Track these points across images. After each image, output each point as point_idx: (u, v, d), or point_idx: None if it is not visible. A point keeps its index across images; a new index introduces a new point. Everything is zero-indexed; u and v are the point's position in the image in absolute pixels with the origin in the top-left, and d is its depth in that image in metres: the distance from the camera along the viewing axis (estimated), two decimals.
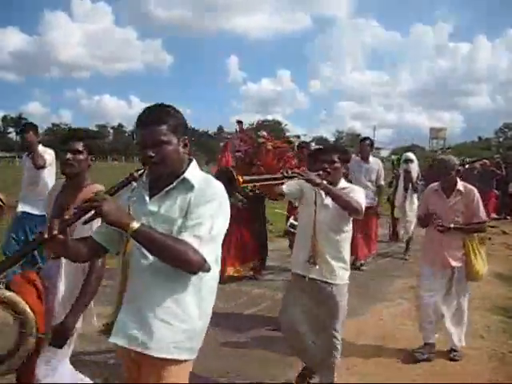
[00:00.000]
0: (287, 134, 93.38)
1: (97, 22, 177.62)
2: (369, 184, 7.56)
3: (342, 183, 3.65)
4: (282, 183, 3.40)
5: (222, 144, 7.68)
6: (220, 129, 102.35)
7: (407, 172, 8.77)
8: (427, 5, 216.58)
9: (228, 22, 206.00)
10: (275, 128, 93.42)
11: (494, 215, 15.02)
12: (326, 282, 3.54)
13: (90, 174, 2.99)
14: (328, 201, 3.49)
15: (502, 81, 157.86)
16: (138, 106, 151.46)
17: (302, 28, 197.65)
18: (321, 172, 3.44)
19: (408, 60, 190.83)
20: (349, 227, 3.62)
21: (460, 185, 4.39)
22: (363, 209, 3.45)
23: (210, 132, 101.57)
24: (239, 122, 7.27)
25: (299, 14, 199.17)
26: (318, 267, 3.52)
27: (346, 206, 3.37)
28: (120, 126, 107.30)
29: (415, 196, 8.76)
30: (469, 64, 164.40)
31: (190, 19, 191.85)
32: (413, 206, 8.67)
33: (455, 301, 4.54)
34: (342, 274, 3.58)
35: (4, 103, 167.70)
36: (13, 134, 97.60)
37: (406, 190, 8.85)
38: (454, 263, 4.40)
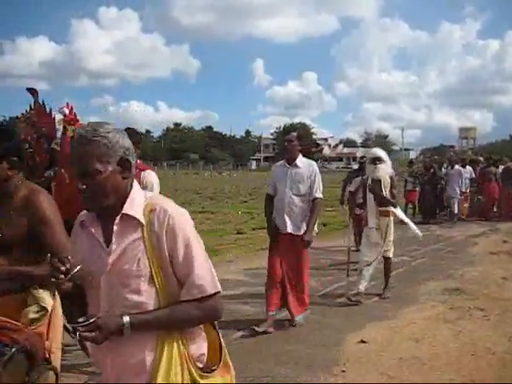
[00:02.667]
0: (314, 137, 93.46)
1: (124, 29, 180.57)
2: (295, 199, 5.16)
3: None
4: None
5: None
6: (247, 133, 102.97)
7: (375, 180, 6.24)
8: (454, 2, 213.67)
9: (253, 25, 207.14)
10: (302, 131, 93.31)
11: None
12: None
13: None
14: None
15: None
16: (166, 111, 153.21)
17: (327, 30, 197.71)
18: None
19: (436, 59, 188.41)
20: None
21: (135, 206, 1.76)
22: None
23: (237, 136, 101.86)
24: (31, 91, 3.90)
25: (325, 15, 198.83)
26: None
27: None
28: (147, 131, 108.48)
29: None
30: (499, 61, 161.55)
31: (215, 24, 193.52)
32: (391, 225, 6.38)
33: None
34: None
35: None
36: None
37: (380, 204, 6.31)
38: None
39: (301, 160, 5.28)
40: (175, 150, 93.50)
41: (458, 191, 14.15)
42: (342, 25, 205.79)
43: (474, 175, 14.98)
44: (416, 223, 13.25)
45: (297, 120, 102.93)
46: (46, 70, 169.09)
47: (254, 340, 4.84)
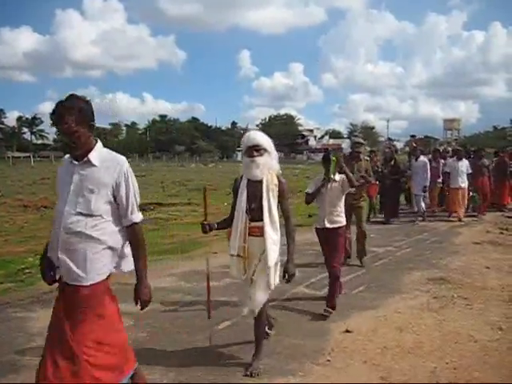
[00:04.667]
0: (300, 128, 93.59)
1: (109, 19, 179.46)
2: (81, 222, 2.84)
3: None
4: None
5: None
6: (233, 124, 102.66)
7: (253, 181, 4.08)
8: None
9: (240, 16, 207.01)
10: (288, 122, 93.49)
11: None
12: None
13: None
14: None
15: None
16: (152, 103, 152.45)
17: (315, 21, 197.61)
18: None
19: (421, 50, 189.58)
20: None
21: None
22: None
23: (223, 128, 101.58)
24: None
25: (313, 7, 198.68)
26: None
27: None
28: (133, 123, 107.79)
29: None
30: (484, 52, 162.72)
31: (202, 14, 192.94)
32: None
33: None
34: None
35: (18, 104, 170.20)
36: (28, 135, 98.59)
37: None
38: None
39: (99, 153, 2.96)
40: (161, 141, 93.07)
41: (422, 187, 12.59)
42: (330, 16, 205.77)
43: (470, 170, 13.05)
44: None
45: (283, 111, 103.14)
46: (31, 61, 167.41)
47: (240, 331, 4.86)
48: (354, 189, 6.84)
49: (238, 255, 4.03)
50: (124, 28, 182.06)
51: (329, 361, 4.19)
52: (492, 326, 4.98)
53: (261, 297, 3.99)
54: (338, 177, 5.62)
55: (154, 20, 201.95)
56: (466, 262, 7.88)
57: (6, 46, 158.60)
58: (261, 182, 4.02)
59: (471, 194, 13.51)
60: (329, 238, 5.57)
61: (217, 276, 6.82)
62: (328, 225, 5.55)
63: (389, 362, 4.14)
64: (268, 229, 3.95)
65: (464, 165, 12.95)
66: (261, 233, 3.99)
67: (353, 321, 5.14)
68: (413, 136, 14.64)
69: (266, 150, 4.03)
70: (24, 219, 12.44)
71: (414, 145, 14.52)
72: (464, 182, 12.86)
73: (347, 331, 4.83)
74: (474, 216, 13.35)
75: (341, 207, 5.64)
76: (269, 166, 4.05)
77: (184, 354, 4.30)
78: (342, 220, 5.65)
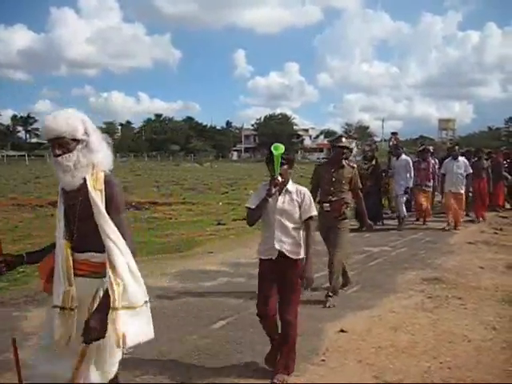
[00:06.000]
0: (295, 127, 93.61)
1: (104, 18, 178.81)
2: None
3: None
4: None
5: None
6: (228, 123, 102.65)
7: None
8: None
9: (236, 15, 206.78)
10: (284, 122, 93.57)
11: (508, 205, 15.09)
12: None
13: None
14: None
15: None
16: (147, 102, 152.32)
17: (311, 20, 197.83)
18: None
19: (417, 51, 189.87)
20: None
21: None
22: None
23: (218, 127, 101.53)
24: None
25: (309, 6, 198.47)
26: None
27: None
28: (128, 122, 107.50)
29: None
30: (479, 53, 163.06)
31: (197, 13, 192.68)
32: None
33: None
34: None
35: (13, 102, 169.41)
36: (22, 133, 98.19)
37: None
38: None
39: None
40: (156, 141, 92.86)
41: (404, 188, 11.30)
42: (325, 15, 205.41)
43: (470, 170, 11.63)
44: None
45: (278, 111, 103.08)
46: (25, 60, 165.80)
47: (236, 330, 4.86)
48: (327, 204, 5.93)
49: (63, 307, 2.53)
50: (119, 26, 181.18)
51: (323, 360, 4.19)
52: (486, 325, 5.00)
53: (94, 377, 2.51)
54: (292, 187, 3.90)
55: (149, 19, 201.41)
56: (461, 261, 7.90)
57: (1, 44, 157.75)
58: (80, 189, 2.55)
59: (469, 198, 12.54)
60: (280, 273, 3.85)
61: (213, 275, 6.85)
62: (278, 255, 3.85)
63: (383, 362, 4.15)
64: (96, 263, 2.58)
65: (461, 165, 11.46)
66: (90, 270, 2.59)
67: (347, 320, 5.15)
68: (394, 133, 13.61)
69: (76, 141, 2.53)
70: (18, 218, 12.39)
71: (395, 142, 13.48)
72: (460, 186, 11.42)
73: (342, 331, 4.83)
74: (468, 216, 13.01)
75: (298, 234, 3.91)
76: (90, 163, 2.57)
77: (179, 353, 4.29)
78: (300, 251, 3.88)
